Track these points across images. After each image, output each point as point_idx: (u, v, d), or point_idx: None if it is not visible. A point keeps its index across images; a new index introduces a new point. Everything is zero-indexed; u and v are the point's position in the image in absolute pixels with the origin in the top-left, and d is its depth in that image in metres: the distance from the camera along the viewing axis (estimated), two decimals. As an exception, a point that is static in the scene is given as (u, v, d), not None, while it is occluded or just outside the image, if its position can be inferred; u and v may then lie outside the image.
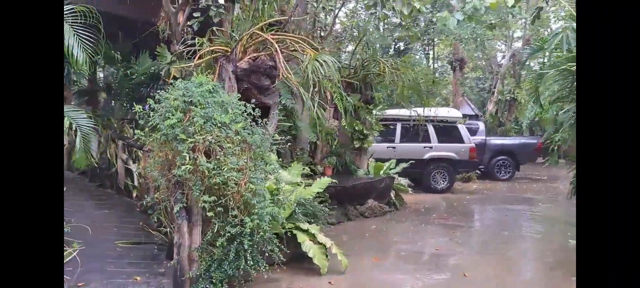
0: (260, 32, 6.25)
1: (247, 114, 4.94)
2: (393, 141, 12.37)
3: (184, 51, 6.81)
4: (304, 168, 7.31)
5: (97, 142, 8.20)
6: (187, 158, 4.39)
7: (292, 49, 6.54)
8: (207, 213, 4.41)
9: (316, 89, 5.76)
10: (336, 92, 6.46)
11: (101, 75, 11.66)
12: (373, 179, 9.30)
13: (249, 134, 4.81)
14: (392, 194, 9.59)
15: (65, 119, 4.34)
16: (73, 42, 4.02)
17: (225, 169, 4.41)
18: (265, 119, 5.15)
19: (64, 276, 3.90)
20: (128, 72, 8.69)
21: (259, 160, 4.93)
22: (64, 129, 4.64)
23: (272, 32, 6.61)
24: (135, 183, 6.78)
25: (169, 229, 5.20)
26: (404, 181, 10.60)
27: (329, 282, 5.11)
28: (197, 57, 6.43)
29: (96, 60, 9.87)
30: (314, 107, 5.82)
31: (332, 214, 7.79)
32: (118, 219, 6.33)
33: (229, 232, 4.44)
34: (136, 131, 4.80)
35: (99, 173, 7.99)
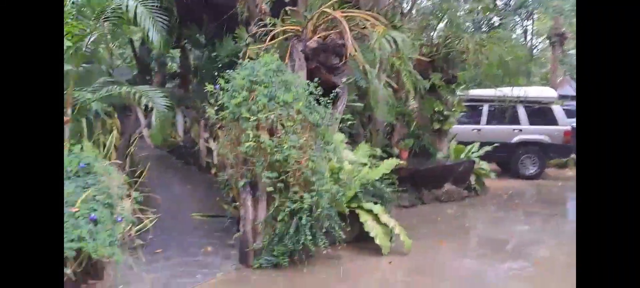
0: (329, 11, 6.24)
1: (310, 93, 5.02)
2: (478, 123, 11.76)
3: (258, 33, 7.02)
4: (374, 150, 7.24)
5: (183, 121, 8.87)
6: (251, 135, 4.58)
7: (363, 26, 6.45)
8: (267, 189, 4.58)
9: (382, 67, 5.65)
10: (404, 70, 6.28)
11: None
12: (451, 162, 8.96)
13: (310, 112, 4.88)
14: (473, 179, 9.16)
15: (144, 98, 4.72)
16: (149, 25, 4.32)
17: (286, 147, 4.54)
18: (327, 98, 5.15)
19: (141, 241, 4.30)
20: (212, 55, 9.18)
21: (320, 138, 4.99)
22: (143, 108, 5.07)
23: (343, 10, 6.57)
24: (215, 160, 7.20)
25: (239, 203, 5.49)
26: (487, 165, 10.06)
27: (389, 262, 5.07)
28: (269, 38, 6.60)
29: (184, 45, 10.60)
30: (381, 85, 5.73)
31: (404, 197, 7.67)
32: (198, 194, 6.80)
33: (289, 208, 4.60)
34: (207, 110, 5.09)
35: (185, 151, 8.61)
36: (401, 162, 6.76)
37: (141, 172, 5.84)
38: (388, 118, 8.81)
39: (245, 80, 4.82)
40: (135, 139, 6.35)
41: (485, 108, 11.77)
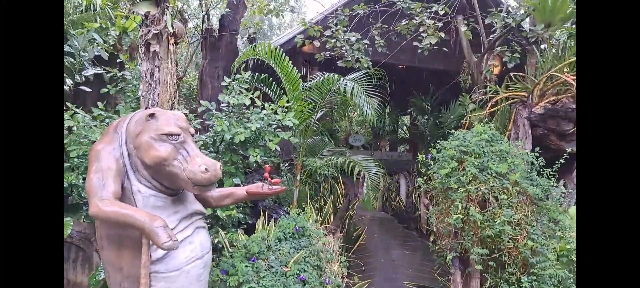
0: (559, 74, 5.68)
1: (531, 163, 4.59)
2: None
3: (479, 100, 6.86)
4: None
5: (406, 186, 9.08)
6: (459, 207, 4.41)
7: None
8: (476, 266, 4.28)
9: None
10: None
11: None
12: None
13: (530, 184, 4.43)
14: None
15: (357, 167, 5.11)
16: (363, 102, 4.75)
17: (498, 222, 4.20)
18: (551, 169, 4.61)
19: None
20: (437, 121, 9.29)
21: (544, 214, 4.45)
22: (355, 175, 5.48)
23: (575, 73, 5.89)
24: (434, 228, 7.11)
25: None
26: None
27: None
28: (490, 104, 6.38)
29: (412, 112, 11.02)
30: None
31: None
32: (415, 261, 6.77)
33: (504, 290, 4.18)
34: (418, 179, 5.16)
35: (406, 216, 8.75)
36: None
37: (360, 235, 6.21)
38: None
39: (456, 150, 4.73)
40: (356, 202, 6.82)
41: None
